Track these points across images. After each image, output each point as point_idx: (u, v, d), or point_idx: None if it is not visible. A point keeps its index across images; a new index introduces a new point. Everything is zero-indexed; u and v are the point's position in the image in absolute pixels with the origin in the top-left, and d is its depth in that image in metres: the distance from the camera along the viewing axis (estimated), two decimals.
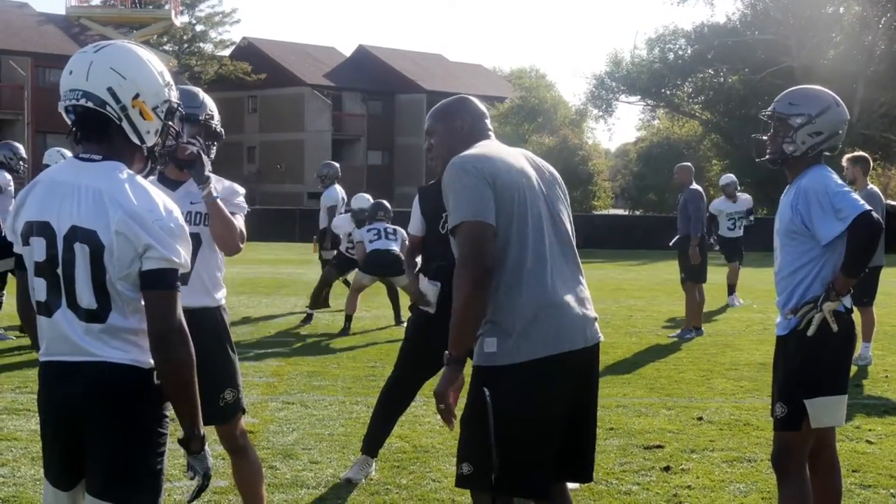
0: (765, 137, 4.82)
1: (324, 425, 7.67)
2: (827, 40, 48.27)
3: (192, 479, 3.31)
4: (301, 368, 10.17)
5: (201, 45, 66.12)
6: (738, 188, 17.60)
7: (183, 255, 3.17)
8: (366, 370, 10.02)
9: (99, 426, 3.16)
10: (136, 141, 3.25)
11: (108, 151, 3.22)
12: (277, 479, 6.20)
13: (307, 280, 18.30)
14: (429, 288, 6.23)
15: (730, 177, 17.78)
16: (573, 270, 4.06)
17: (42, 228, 3.18)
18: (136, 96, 3.21)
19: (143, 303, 3.17)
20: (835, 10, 49.32)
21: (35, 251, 3.20)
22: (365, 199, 14.00)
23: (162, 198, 3.20)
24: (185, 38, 64.15)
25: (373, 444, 6.44)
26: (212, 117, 5.17)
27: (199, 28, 65.74)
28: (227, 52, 66.74)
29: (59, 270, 3.16)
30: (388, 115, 69.47)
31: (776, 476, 4.81)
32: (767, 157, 4.80)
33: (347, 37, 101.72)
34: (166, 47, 60.34)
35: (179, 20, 53.78)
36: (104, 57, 3.21)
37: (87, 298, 3.15)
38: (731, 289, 17.37)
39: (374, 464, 6.42)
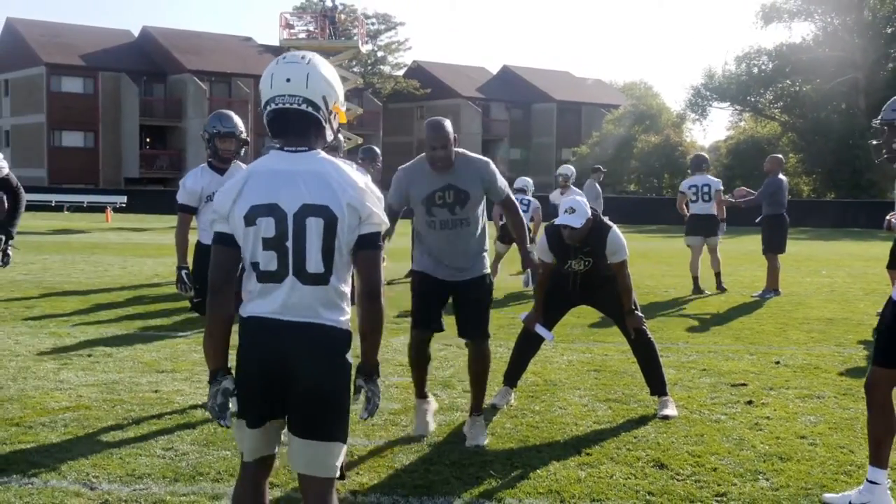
0: (877, 142, 4.47)
1: None
2: (885, 55, 46.41)
3: (357, 399, 3.13)
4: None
5: (381, 66, 66.79)
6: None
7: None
8: (507, 320, 9.95)
9: (317, 377, 3.03)
10: (331, 138, 3.15)
11: (308, 144, 3.09)
12: (438, 403, 6.22)
13: None
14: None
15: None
16: None
17: (270, 210, 3.01)
18: (335, 102, 3.13)
19: (351, 268, 3.06)
20: (893, 30, 47.12)
21: (263, 229, 3.02)
22: (568, 169, 14.28)
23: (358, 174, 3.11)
24: (368, 61, 64.93)
25: (512, 377, 6.43)
26: (242, 132, 5.96)
27: (379, 54, 66.43)
28: (401, 73, 67.31)
29: (289, 243, 3.01)
30: (525, 120, 69.14)
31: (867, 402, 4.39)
32: (884, 157, 4.45)
33: (494, 57, 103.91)
34: (354, 69, 60.97)
35: (365, 48, 54.33)
36: (315, 69, 3.09)
37: (315, 264, 3.01)
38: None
39: (513, 393, 6.40)
